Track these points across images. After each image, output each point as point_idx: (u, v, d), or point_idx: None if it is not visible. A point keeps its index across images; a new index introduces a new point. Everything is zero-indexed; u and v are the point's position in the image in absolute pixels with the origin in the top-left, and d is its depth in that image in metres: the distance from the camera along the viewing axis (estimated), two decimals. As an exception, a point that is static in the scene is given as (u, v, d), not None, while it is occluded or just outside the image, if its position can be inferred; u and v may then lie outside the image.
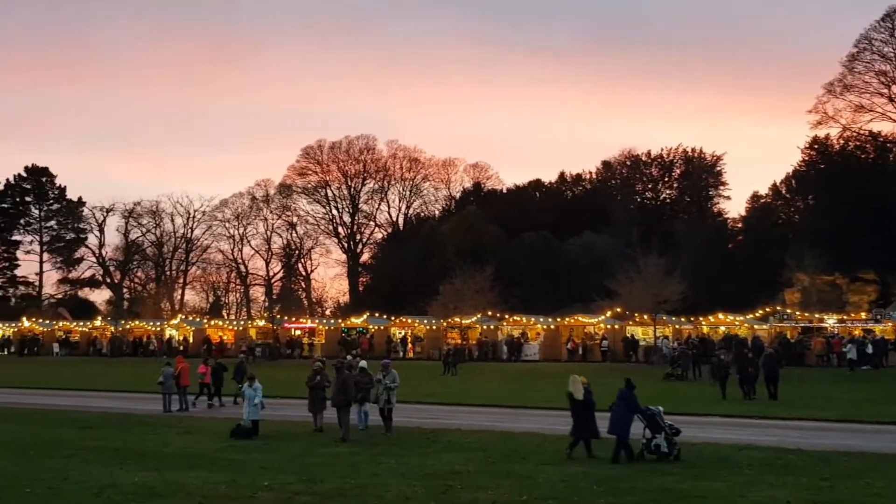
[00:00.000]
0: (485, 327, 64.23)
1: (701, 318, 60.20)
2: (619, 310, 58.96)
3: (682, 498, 15.80)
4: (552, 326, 63.07)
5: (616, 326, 60.00)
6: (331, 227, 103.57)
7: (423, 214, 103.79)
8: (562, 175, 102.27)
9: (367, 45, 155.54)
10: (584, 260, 78.62)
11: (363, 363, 25.73)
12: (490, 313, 63.56)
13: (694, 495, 15.92)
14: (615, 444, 19.40)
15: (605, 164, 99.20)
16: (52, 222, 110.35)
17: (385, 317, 68.39)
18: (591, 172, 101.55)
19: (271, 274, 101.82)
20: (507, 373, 51.36)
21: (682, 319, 59.68)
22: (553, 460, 19.64)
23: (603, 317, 60.59)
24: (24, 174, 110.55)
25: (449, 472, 18.04)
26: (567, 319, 62.96)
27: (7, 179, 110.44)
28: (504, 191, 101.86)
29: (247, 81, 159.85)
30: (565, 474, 17.86)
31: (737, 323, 59.21)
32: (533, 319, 64.66)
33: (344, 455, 20.62)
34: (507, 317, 64.66)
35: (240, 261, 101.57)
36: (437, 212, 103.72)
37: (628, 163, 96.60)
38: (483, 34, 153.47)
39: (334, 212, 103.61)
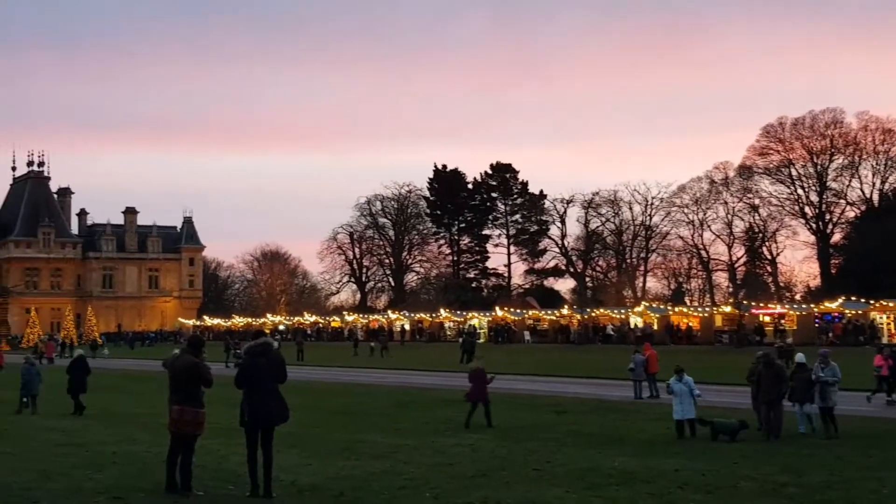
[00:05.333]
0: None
1: None
2: None
3: None
4: None
5: None
6: (796, 208, 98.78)
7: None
8: None
9: (825, 13, 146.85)
10: None
11: (800, 355, 22.63)
12: None
13: None
14: None
15: None
16: (517, 216, 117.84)
17: (863, 300, 63.90)
18: None
19: (734, 259, 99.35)
20: None
21: None
22: None
23: None
24: (490, 171, 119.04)
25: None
26: None
27: (474, 178, 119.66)
28: None
29: (698, 62, 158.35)
30: None
31: None
32: None
33: (828, 446, 19.47)
34: None
35: (700, 246, 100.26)
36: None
37: None
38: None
39: (799, 191, 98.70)
